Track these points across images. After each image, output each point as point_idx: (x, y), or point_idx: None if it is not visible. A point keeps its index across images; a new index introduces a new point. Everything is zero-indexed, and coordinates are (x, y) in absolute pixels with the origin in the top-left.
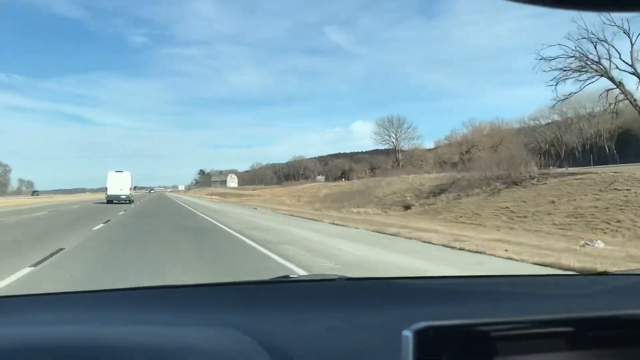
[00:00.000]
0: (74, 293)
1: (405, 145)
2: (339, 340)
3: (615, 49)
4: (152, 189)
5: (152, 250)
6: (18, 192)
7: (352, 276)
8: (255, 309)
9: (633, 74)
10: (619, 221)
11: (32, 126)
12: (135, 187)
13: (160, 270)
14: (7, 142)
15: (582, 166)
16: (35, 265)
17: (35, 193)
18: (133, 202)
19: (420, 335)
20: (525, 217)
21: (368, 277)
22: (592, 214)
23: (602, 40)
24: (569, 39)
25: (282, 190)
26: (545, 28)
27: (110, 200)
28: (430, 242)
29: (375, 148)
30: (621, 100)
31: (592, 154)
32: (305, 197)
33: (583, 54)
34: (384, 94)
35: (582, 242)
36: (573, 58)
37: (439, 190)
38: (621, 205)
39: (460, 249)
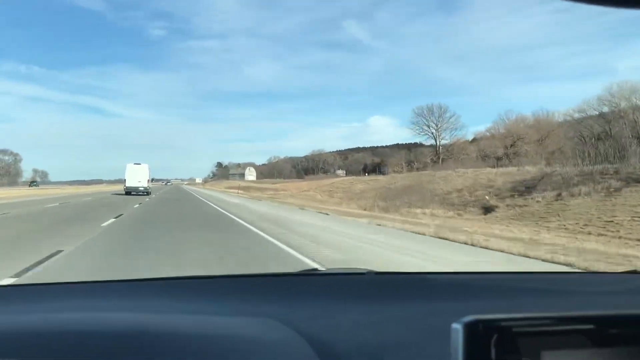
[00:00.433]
0: (116, 282)
1: (447, 137)
2: (374, 332)
3: None
4: (168, 181)
5: None
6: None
7: (381, 271)
8: (288, 300)
9: None
10: None
11: (50, 117)
12: (152, 179)
13: None
14: (24, 133)
15: None
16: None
17: (33, 184)
18: (150, 193)
19: (470, 328)
20: None
21: (396, 272)
22: None
23: None
24: None
25: (308, 184)
26: (566, 23)
27: (129, 191)
28: None
29: (395, 142)
30: None
31: None
32: (338, 193)
33: None
34: (402, 89)
35: None
36: None
37: (524, 188)
38: None
39: None
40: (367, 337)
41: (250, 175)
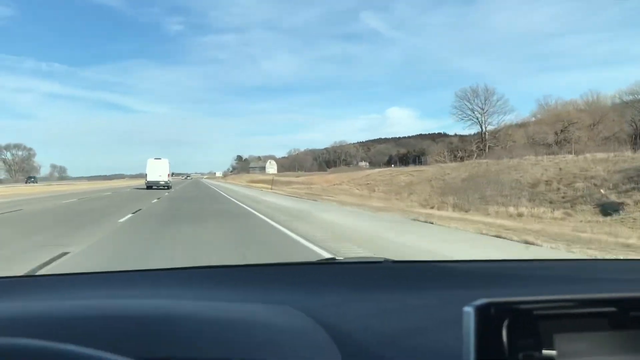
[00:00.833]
0: (135, 271)
1: (494, 122)
2: (391, 319)
3: None
4: (188, 175)
5: None
6: (50, 179)
7: (398, 259)
8: (307, 288)
9: None
10: None
11: (70, 113)
12: (172, 174)
13: None
14: (44, 129)
15: None
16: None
17: (31, 180)
18: (171, 187)
19: (481, 311)
20: None
21: (413, 260)
22: None
23: None
24: None
25: (337, 177)
26: (585, 11)
27: (150, 186)
28: None
29: (418, 133)
30: None
31: None
32: (379, 186)
33: None
34: (420, 80)
35: None
36: None
37: None
38: None
39: None
40: (383, 324)
41: (271, 168)
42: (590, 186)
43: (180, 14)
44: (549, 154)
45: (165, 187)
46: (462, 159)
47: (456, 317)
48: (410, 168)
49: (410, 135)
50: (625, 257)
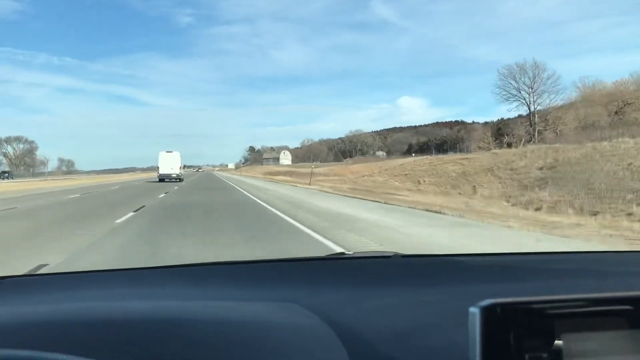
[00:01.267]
0: (139, 269)
1: (544, 102)
2: (400, 316)
3: None
4: (199, 167)
5: None
6: (57, 173)
7: (407, 253)
8: (314, 284)
9: None
10: None
11: (82, 107)
12: (184, 166)
13: None
14: (57, 123)
15: None
16: None
17: (4, 175)
18: (182, 180)
19: (487, 312)
20: None
21: (423, 255)
22: None
23: None
24: None
25: (365, 167)
26: None
27: (162, 178)
28: None
29: (435, 121)
30: None
31: None
32: (425, 178)
33: None
34: (430, 69)
35: None
36: None
37: None
38: None
39: None
40: (392, 321)
41: (286, 159)
42: None
43: (189, 6)
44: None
45: (177, 180)
46: (509, 145)
47: (466, 313)
48: (454, 156)
49: (427, 123)
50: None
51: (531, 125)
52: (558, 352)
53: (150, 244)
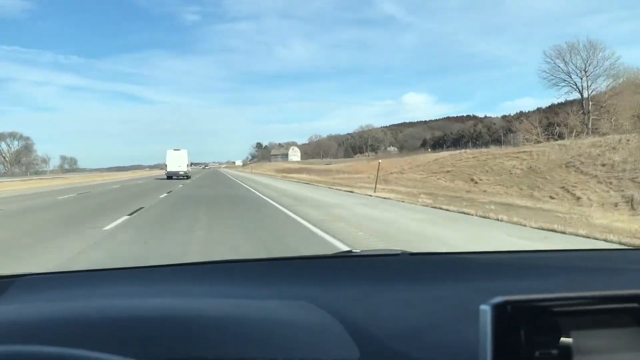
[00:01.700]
0: (149, 267)
1: (600, 87)
2: (409, 313)
3: None
4: (206, 165)
5: None
6: (59, 171)
7: (415, 251)
8: (322, 282)
9: None
10: None
11: (89, 105)
12: (191, 164)
13: None
14: (63, 122)
15: None
16: None
17: None
18: (190, 177)
19: (498, 309)
20: None
21: (431, 252)
22: None
23: None
24: None
25: (390, 163)
26: None
27: (170, 176)
28: None
29: (446, 115)
30: None
31: None
32: (479, 176)
33: None
34: (436, 64)
35: None
36: None
37: None
38: None
39: None
40: (401, 318)
41: (295, 155)
42: None
43: (195, 3)
44: None
45: (185, 177)
46: (559, 135)
47: (474, 310)
48: (505, 149)
49: (437, 118)
50: None
51: (585, 114)
52: (567, 349)
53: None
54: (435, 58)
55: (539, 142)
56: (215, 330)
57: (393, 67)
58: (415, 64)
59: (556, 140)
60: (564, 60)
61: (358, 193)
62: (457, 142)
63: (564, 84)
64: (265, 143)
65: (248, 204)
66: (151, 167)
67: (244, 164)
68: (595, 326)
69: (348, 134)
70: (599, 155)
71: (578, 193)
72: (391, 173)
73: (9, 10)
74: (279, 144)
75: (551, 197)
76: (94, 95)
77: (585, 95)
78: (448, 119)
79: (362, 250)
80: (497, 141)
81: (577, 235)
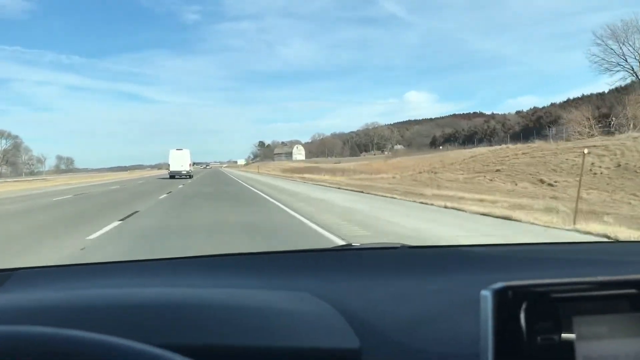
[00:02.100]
0: (148, 261)
1: None
2: (409, 305)
3: None
4: (207, 164)
5: None
6: (56, 171)
7: (415, 244)
8: (322, 274)
9: None
10: None
11: (90, 105)
12: (193, 163)
13: None
14: (65, 122)
15: None
16: None
17: None
18: (192, 176)
19: (498, 294)
20: None
21: (430, 246)
22: None
23: None
24: None
25: (411, 162)
26: None
27: (173, 175)
28: None
29: (452, 113)
30: None
31: None
32: (551, 175)
33: None
34: (438, 63)
35: None
36: None
37: None
38: None
39: None
40: (401, 310)
41: (299, 154)
42: None
43: (196, 2)
44: None
45: (187, 177)
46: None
47: (474, 301)
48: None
49: (442, 115)
50: None
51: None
52: (569, 334)
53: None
54: (437, 57)
55: (592, 135)
56: (214, 318)
57: (395, 66)
58: (417, 62)
59: (611, 132)
60: (618, 41)
61: (435, 205)
62: (470, 139)
63: (618, 69)
64: (267, 142)
65: (274, 227)
66: (152, 167)
67: (247, 163)
68: (597, 312)
69: (353, 132)
70: None
71: None
72: (420, 173)
73: (10, 11)
74: (282, 143)
75: None
76: (96, 95)
77: None
78: (455, 116)
79: (362, 244)
80: (516, 137)
81: None
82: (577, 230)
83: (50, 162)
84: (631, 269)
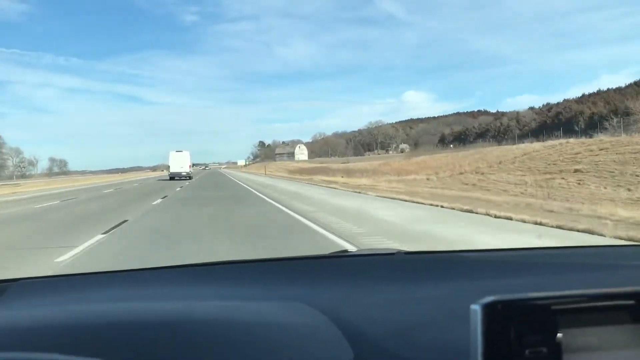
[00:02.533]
0: (139, 270)
1: None
2: (404, 313)
3: None
4: (206, 165)
5: None
6: (48, 174)
7: (411, 250)
8: (317, 282)
9: None
10: None
11: (89, 107)
12: (192, 165)
13: None
14: (64, 124)
15: None
16: None
17: None
18: (192, 177)
19: (488, 309)
20: None
21: (426, 251)
22: None
23: None
24: None
25: (445, 160)
26: None
27: (173, 176)
28: None
29: (453, 112)
30: None
31: None
32: None
33: None
34: (437, 63)
35: None
36: None
37: None
38: None
39: None
40: (396, 318)
41: (301, 154)
42: None
43: (195, 4)
44: None
45: (187, 178)
46: None
47: (467, 309)
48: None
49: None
50: None
51: None
52: (558, 347)
53: None
54: (435, 56)
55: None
56: (206, 333)
57: (394, 66)
58: (415, 62)
59: None
60: None
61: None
62: (482, 136)
63: None
64: (267, 142)
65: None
66: (151, 169)
67: (247, 164)
68: (587, 324)
69: (354, 131)
70: None
71: None
72: (461, 174)
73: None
74: (283, 142)
75: None
76: (94, 97)
77: None
78: (459, 114)
79: (357, 250)
80: (533, 134)
81: None
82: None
83: (44, 165)
84: (624, 274)
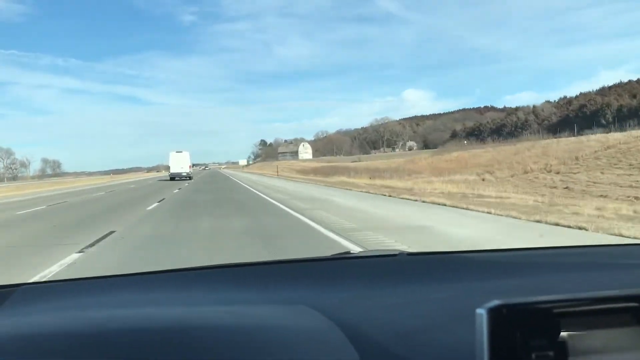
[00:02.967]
0: (144, 274)
1: None
2: (408, 315)
3: None
4: (206, 166)
5: None
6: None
7: (414, 251)
8: (320, 284)
9: None
10: None
11: (88, 108)
12: (192, 165)
13: None
14: (63, 125)
15: None
16: None
17: None
18: (192, 178)
19: (494, 313)
20: None
21: (429, 252)
22: None
23: None
24: None
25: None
26: None
27: (173, 177)
28: None
29: (461, 107)
30: None
31: None
32: None
33: None
34: (436, 60)
35: None
36: None
37: None
38: None
39: None
40: (400, 320)
41: (306, 152)
42: None
43: (193, 4)
44: None
45: (187, 178)
46: None
47: (473, 310)
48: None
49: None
50: None
51: None
52: (564, 349)
53: None
54: (434, 54)
55: None
56: (211, 338)
57: (392, 64)
58: (414, 60)
59: None
60: None
61: None
62: (498, 132)
63: None
64: (269, 141)
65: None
66: (150, 169)
67: (249, 164)
68: (593, 326)
69: (358, 129)
70: None
71: None
72: (526, 173)
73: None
74: (286, 141)
75: None
76: (92, 97)
77: None
78: (465, 110)
79: (360, 252)
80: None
81: None
82: None
83: (37, 166)
84: (626, 274)
